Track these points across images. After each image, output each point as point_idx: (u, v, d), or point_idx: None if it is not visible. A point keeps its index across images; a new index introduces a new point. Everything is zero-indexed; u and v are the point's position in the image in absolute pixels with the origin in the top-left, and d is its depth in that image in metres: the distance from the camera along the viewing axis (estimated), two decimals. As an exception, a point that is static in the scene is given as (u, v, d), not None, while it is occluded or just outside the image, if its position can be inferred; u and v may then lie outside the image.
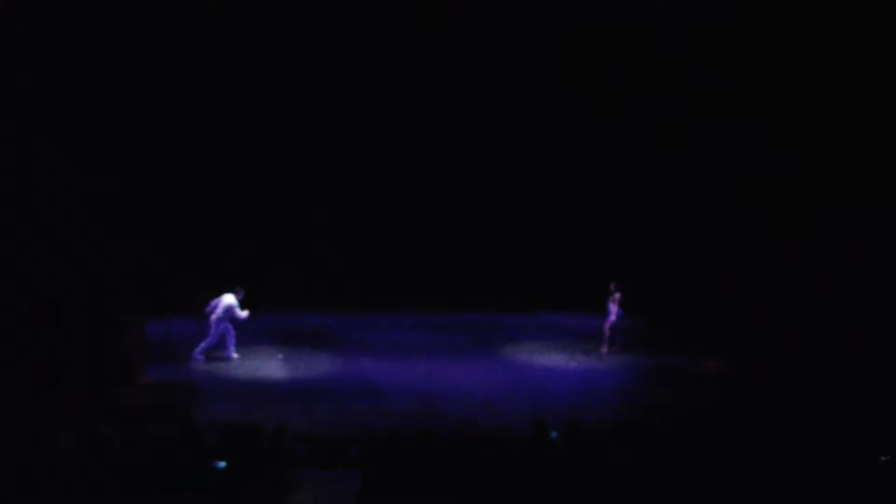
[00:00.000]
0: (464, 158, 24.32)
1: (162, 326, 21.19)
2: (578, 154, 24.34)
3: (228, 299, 19.52)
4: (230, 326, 19.58)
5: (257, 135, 23.24)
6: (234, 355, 19.68)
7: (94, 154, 16.95)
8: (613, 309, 20.77)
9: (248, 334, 20.41)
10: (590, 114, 23.68)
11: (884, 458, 11.75)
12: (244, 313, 19.57)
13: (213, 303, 19.58)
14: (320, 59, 22.64)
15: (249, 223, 23.76)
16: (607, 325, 20.95)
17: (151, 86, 19.85)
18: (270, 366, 19.60)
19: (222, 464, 11.13)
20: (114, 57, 17.26)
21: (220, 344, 19.67)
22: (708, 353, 20.46)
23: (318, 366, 19.77)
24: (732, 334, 20.26)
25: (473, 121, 23.91)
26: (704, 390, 18.52)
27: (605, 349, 21.04)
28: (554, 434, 12.56)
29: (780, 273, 19.61)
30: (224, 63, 21.93)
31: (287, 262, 23.69)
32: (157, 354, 19.39)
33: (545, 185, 24.87)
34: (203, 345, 19.54)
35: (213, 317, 19.48)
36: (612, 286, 20.87)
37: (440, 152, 24.22)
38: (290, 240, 24.07)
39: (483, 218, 25.00)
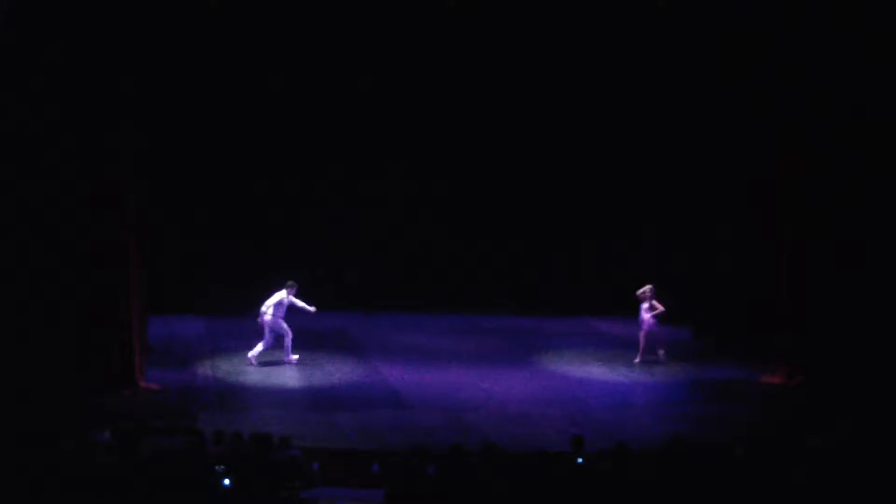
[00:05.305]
0: (500, 149, 24.42)
1: (166, 326, 21.47)
2: (622, 149, 24.35)
3: (281, 296, 19.70)
4: (286, 327, 19.75)
5: (273, 124, 23.39)
6: (293, 357, 19.89)
7: (93, 148, 17.11)
8: (647, 315, 20.65)
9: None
10: (636, 116, 23.65)
11: None
12: (311, 307, 19.87)
13: (268, 302, 19.70)
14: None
15: (263, 213, 24.00)
16: (642, 333, 20.82)
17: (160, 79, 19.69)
18: (283, 371, 19.54)
19: (227, 481, 11.10)
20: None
21: (277, 346, 19.88)
22: (764, 366, 20.11)
23: (335, 372, 19.71)
24: (789, 345, 19.78)
25: (510, 112, 23.94)
26: (759, 406, 18.34)
27: (638, 359, 20.87)
28: (579, 460, 12.52)
29: (844, 277, 19.15)
30: (242, 63, 22.01)
31: (303, 257, 23.69)
32: (161, 357, 19.68)
33: (588, 177, 24.83)
34: (260, 348, 19.70)
35: (268, 318, 19.61)
36: (647, 290, 20.77)
37: (473, 143, 24.29)
38: (304, 233, 24.11)
39: (518, 208, 25.04)
